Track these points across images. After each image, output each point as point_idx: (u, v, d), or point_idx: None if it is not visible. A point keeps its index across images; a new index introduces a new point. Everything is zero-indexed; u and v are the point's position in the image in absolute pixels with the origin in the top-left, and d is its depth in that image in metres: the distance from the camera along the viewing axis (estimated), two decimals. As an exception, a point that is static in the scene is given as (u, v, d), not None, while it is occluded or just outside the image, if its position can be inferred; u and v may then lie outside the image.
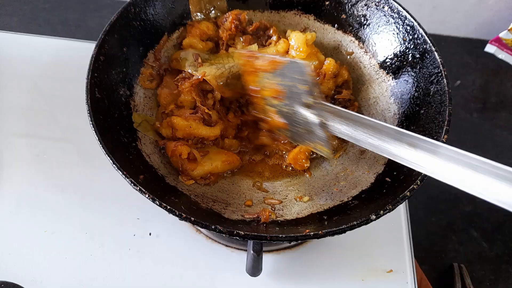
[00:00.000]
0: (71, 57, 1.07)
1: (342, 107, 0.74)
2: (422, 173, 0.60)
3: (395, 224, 0.86)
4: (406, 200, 0.87)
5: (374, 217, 0.57)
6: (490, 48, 1.46)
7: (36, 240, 0.81)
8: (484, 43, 1.45)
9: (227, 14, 0.82)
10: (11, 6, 1.48)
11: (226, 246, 0.83)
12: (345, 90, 0.80)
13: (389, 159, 0.71)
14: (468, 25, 1.48)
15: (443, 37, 1.48)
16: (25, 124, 0.96)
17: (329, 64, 0.77)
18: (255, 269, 0.71)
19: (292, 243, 0.83)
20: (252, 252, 0.67)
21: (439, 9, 1.45)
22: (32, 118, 0.96)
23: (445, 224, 1.05)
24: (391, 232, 0.85)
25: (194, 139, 0.73)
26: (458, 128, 1.23)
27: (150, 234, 0.83)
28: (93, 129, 0.62)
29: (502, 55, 1.46)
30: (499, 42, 1.44)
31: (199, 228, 0.84)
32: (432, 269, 0.97)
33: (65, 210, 0.85)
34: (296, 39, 0.78)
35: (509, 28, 1.40)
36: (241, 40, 0.80)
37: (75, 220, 0.84)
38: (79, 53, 1.07)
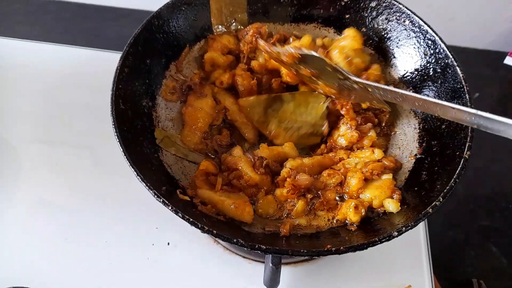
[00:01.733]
0: (89, 66, 1.09)
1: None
2: (445, 189, 0.59)
3: (414, 239, 0.85)
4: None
5: (396, 233, 0.57)
6: (509, 60, 1.44)
7: (57, 247, 0.83)
8: (503, 55, 1.43)
9: (248, 27, 0.83)
10: (33, 15, 1.52)
11: (244, 257, 0.83)
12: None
13: (409, 174, 0.71)
14: (487, 36, 1.47)
15: (460, 48, 1.47)
16: (44, 131, 0.98)
17: (375, 69, 0.77)
18: (273, 281, 0.71)
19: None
20: (270, 265, 0.67)
21: (457, 21, 1.45)
22: (50, 124, 0.99)
23: (463, 239, 1.04)
24: (410, 247, 0.84)
25: (231, 173, 0.71)
26: (475, 141, 1.22)
27: (168, 244, 0.84)
28: (117, 140, 0.63)
29: (521, 67, 1.44)
30: (518, 54, 1.43)
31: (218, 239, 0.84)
32: (451, 285, 0.96)
33: (84, 217, 0.86)
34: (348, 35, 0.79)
35: (528, 40, 1.38)
36: (262, 58, 0.81)
37: (95, 228, 0.85)
38: (97, 62, 1.09)
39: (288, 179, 0.69)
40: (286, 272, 0.81)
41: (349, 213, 0.65)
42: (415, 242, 0.85)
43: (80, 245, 0.83)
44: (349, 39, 0.77)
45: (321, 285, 0.81)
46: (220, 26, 0.84)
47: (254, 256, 0.83)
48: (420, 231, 0.86)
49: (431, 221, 0.92)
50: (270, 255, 0.66)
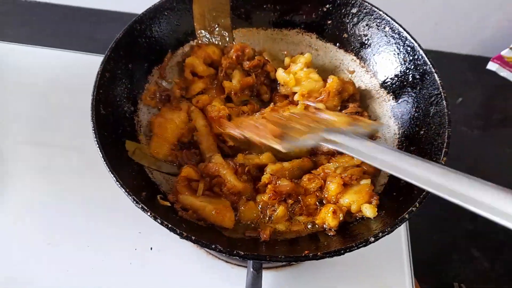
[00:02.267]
0: (78, 69, 1.08)
1: None
2: (421, 195, 0.60)
3: (396, 243, 0.86)
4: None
5: (373, 239, 0.57)
6: (492, 66, 1.46)
7: (39, 251, 0.82)
8: (486, 60, 1.45)
9: (235, 44, 0.84)
10: (21, 17, 1.50)
11: (227, 262, 0.83)
12: (352, 103, 0.80)
13: (389, 180, 0.72)
14: (470, 42, 1.49)
15: (445, 53, 1.49)
16: (32, 133, 0.97)
17: (333, 82, 0.77)
18: (254, 286, 0.71)
19: (292, 260, 0.84)
20: (251, 270, 0.67)
21: (441, 26, 1.46)
22: (38, 127, 0.98)
23: (447, 243, 1.05)
24: (391, 250, 0.85)
25: (213, 179, 0.71)
26: (459, 145, 1.23)
27: (151, 248, 0.84)
28: (97, 145, 0.63)
29: (504, 73, 1.46)
30: (501, 60, 1.45)
31: (199, 244, 0.84)
32: (433, 289, 0.97)
33: (68, 221, 0.85)
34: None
35: (511, 46, 1.40)
36: (238, 78, 0.82)
37: (78, 233, 0.84)
38: (87, 65, 1.08)
39: (269, 185, 0.70)
40: (268, 276, 0.81)
41: (328, 218, 0.65)
42: (397, 246, 0.85)
43: (62, 249, 0.82)
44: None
45: (303, 289, 0.81)
46: (203, 31, 0.85)
47: (237, 261, 0.83)
48: (402, 235, 0.87)
49: (414, 225, 0.93)
50: (251, 260, 0.67)
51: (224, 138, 0.76)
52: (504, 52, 1.42)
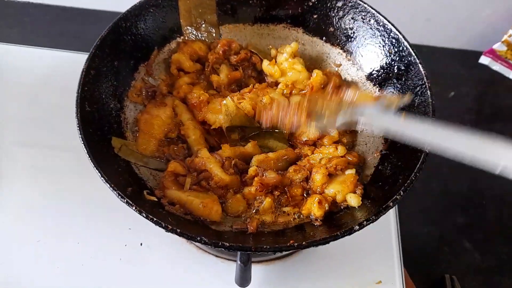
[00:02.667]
0: (70, 68, 1.08)
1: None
2: (405, 183, 0.60)
3: (385, 234, 0.86)
4: (396, 211, 0.88)
5: (357, 227, 0.58)
6: (484, 60, 1.46)
7: (29, 249, 0.82)
8: (478, 54, 1.45)
9: (221, 39, 0.85)
10: (11, 17, 1.51)
11: (217, 256, 0.84)
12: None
13: (375, 170, 0.72)
14: (462, 36, 1.49)
15: (437, 48, 1.49)
16: (25, 134, 0.97)
17: (317, 76, 0.78)
18: (243, 279, 0.72)
19: (282, 254, 0.84)
20: (239, 262, 0.68)
21: (433, 21, 1.47)
22: (32, 127, 0.98)
23: (438, 235, 1.05)
24: (381, 242, 0.85)
25: (200, 174, 0.71)
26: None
27: (141, 244, 0.84)
28: (82, 142, 0.63)
29: (496, 66, 1.46)
30: (493, 53, 1.45)
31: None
32: (424, 281, 0.97)
33: (58, 218, 0.85)
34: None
35: (502, 40, 1.41)
36: (226, 72, 0.82)
37: (68, 230, 0.85)
38: (78, 64, 1.09)
39: (256, 178, 0.70)
40: (258, 270, 0.81)
41: (313, 208, 0.66)
42: (386, 238, 0.86)
43: (52, 246, 0.83)
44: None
45: (293, 282, 0.81)
46: (189, 28, 0.85)
47: (226, 255, 0.83)
48: (391, 227, 0.87)
49: (405, 218, 0.94)
50: (239, 252, 0.67)
51: (208, 123, 0.76)
52: (496, 46, 1.43)
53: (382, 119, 0.61)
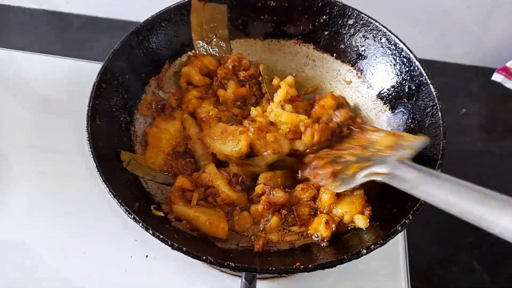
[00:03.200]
0: (80, 76, 1.10)
1: (346, 126, 0.76)
2: (415, 207, 0.60)
3: (393, 253, 0.85)
4: (405, 230, 0.87)
5: (364, 251, 0.57)
6: (497, 77, 1.44)
7: (35, 258, 0.82)
8: (491, 71, 1.44)
9: (232, 55, 0.85)
10: (26, 25, 1.53)
11: (221, 271, 0.83)
12: (342, 109, 0.79)
13: (384, 192, 0.71)
14: (475, 53, 1.48)
15: (449, 64, 1.48)
16: (32, 137, 0.98)
17: (327, 98, 0.78)
18: (248, 297, 0.71)
19: (288, 271, 0.83)
20: (244, 281, 0.67)
21: (446, 37, 1.45)
22: (39, 132, 0.99)
23: (446, 255, 1.03)
24: (389, 261, 0.84)
25: (207, 189, 0.72)
26: (462, 157, 1.22)
27: (147, 256, 0.84)
28: (91, 156, 0.63)
29: (509, 84, 1.44)
30: (506, 71, 1.43)
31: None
32: (431, 301, 0.96)
33: (65, 228, 0.86)
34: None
35: (516, 57, 1.39)
36: (233, 88, 0.82)
37: (75, 239, 0.85)
38: (88, 72, 1.10)
39: (263, 197, 0.70)
40: (262, 286, 0.81)
41: (320, 228, 0.65)
42: (394, 257, 0.85)
43: (58, 256, 0.83)
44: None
45: (298, 300, 0.81)
46: (201, 42, 0.86)
47: (232, 270, 0.83)
48: (399, 244, 0.86)
49: (413, 235, 0.92)
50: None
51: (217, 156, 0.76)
52: (510, 64, 1.41)
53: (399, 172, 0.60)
